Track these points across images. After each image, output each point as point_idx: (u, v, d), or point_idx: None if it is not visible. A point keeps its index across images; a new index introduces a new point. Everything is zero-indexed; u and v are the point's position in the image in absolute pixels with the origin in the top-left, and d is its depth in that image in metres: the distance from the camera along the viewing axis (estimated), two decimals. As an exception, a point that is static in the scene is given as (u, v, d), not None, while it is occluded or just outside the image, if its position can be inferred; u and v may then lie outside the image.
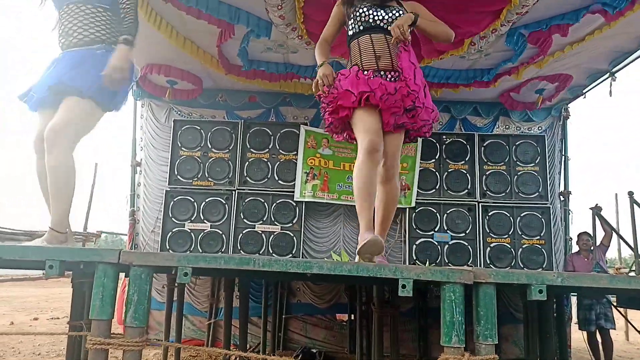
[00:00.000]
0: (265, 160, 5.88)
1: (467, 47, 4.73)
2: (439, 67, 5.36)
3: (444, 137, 6.10)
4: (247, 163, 5.86)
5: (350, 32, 2.49)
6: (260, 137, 5.94)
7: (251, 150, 5.90)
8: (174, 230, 5.57)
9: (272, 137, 5.94)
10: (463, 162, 5.98)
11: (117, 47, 2.34)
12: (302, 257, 5.65)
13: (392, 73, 2.37)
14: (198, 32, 4.76)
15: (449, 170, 5.97)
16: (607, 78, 5.44)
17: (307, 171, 5.84)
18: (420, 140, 5.95)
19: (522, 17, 4.21)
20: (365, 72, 2.36)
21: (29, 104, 2.31)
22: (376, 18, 2.40)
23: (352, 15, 2.47)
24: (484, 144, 6.00)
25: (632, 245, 5.06)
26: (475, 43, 4.68)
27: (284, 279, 5.06)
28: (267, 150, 5.91)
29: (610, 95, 5.41)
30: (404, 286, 1.67)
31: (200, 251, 5.51)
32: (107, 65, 2.25)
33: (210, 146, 5.91)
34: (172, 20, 4.53)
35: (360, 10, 2.43)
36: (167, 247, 5.50)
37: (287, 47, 5.03)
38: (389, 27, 2.38)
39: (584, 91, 5.92)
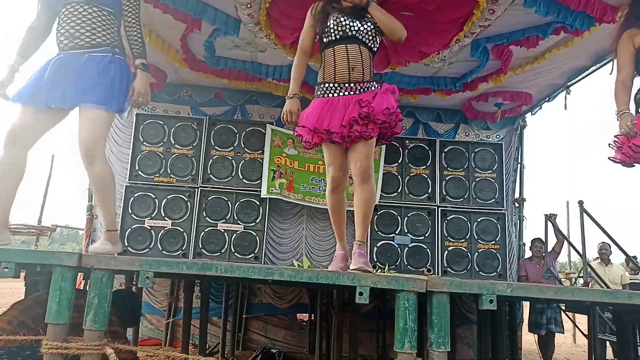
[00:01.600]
0: (230, 158, 5.84)
1: (431, 56, 4.85)
2: (404, 73, 5.48)
3: (407, 141, 6.22)
4: (211, 160, 5.80)
5: (326, 40, 2.54)
6: (225, 135, 5.89)
7: (216, 147, 5.85)
8: (133, 227, 5.46)
9: (237, 135, 5.90)
10: (424, 166, 6.12)
11: (137, 73, 2.44)
12: (265, 257, 5.64)
13: (362, 84, 2.46)
14: (164, 26, 4.68)
15: (411, 174, 6.09)
16: (562, 90, 5.70)
17: (274, 169, 5.84)
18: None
19: (485, 30, 4.35)
20: (330, 95, 2.47)
21: (19, 95, 2.27)
22: (352, 28, 2.47)
23: (328, 24, 2.52)
24: (445, 150, 6.16)
25: (581, 252, 5.33)
26: (438, 52, 4.80)
27: (246, 282, 5.06)
28: (232, 148, 5.87)
29: (565, 109, 5.68)
30: (360, 293, 1.72)
31: (160, 249, 5.42)
32: (133, 91, 2.39)
33: (173, 142, 5.81)
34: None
35: (337, 20, 2.49)
36: (126, 244, 5.38)
37: (255, 46, 5.02)
38: (363, 39, 2.48)
39: (541, 103, 6.17)
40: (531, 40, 4.50)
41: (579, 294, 1.71)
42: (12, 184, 2.26)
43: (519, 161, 6.55)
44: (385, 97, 2.47)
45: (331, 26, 2.49)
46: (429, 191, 6.03)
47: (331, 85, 2.48)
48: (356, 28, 2.47)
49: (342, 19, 2.48)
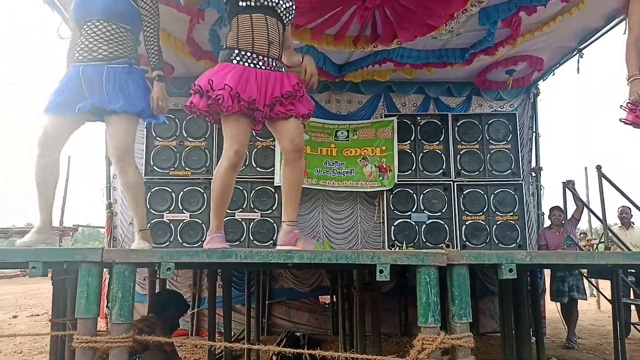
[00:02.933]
0: (242, 147, 5.86)
1: (439, 28, 4.77)
2: (412, 47, 5.40)
3: (419, 118, 6.18)
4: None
5: (243, 4, 2.34)
6: (236, 125, 5.90)
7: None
8: (152, 222, 5.54)
9: (248, 124, 5.91)
10: (438, 142, 6.08)
11: (153, 84, 2.55)
12: (283, 243, 5.69)
13: (277, 62, 2.40)
14: (168, 19, 4.67)
15: (424, 151, 6.06)
16: (574, 55, 5.57)
17: (286, 156, 5.84)
18: (396, 121, 6.04)
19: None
20: (247, 64, 2.32)
21: (50, 106, 2.41)
22: (273, 1, 2.35)
23: None
24: (457, 124, 6.10)
25: (601, 218, 5.27)
26: (446, 24, 4.72)
27: (266, 267, 5.11)
28: (244, 137, 5.88)
29: (578, 72, 5.55)
30: (381, 271, 1.73)
31: (180, 241, 5.50)
32: (152, 100, 2.52)
33: (185, 135, 5.86)
34: (141, 8, 4.43)
35: None
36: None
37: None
38: (282, 15, 2.40)
39: (553, 69, 6.05)
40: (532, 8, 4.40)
41: (599, 258, 1.70)
42: (51, 186, 2.46)
43: (534, 130, 6.44)
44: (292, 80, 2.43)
45: None
46: (444, 167, 6.00)
47: (248, 54, 2.32)
48: (277, 2, 2.36)
49: None
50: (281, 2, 2.38)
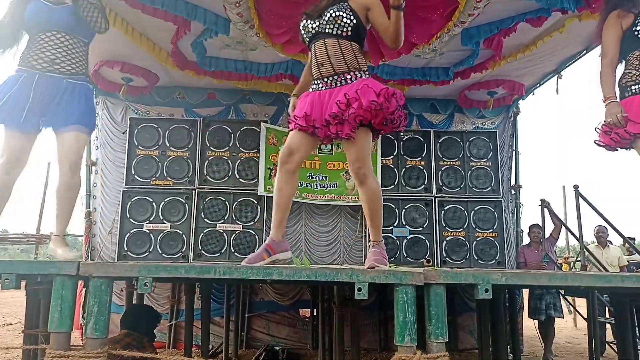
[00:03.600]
0: (226, 158, 5.85)
1: (422, 46, 4.85)
2: (396, 64, 5.49)
3: (402, 134, 6.23)
4: (207, 161, 5.81)
5: (305, 42, 2.60)
6: (220, 135, 5.90)
7: (211, 148, 5.86)
8: (132, 232, 5.47)
9: (232, 135, 5.91)
10: (420, 158, 6.14)
11: None
12: (264, 255, 5.66)
13: (334, 77, 2.39)
14: (154, 29, 4.68)
15: (407, 167, 6.12)
16: (553, 76, 5.72)
17: (271, 167, 5.84)
18: (379, 136, 6.08)
19: (474, 19, 4.36)
20: (311, 90, 2.52)
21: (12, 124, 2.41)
22: (312, 27, 2.47)
23: (300, 32, 2.60)
24: (439, 141, 6.18)
25: (578, 237, 5.37)
26: (429, 42, 4.80)
27: (245, 282, 5.08)
28: (227, 148, 5.88)
29: (557, 93, 5.70)
30: (359, 289, 1.74)
31: (160, 252, 5.43)
32: None
33: (168, 144, 5.82)
34: (128, 17, 4.45)
35: (302, 25, 2.54)
36: (125, 249, 5.41)
37: (245, 45, 5.02)
38: (325, 30, 2.40)
39: (533, 89, 6.19)
40: (522, 26, 4.51)
41: (572, 280, 1.74)
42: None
43: (514, 148, 6.57)
44: (366, 93, 2.30)
45: (302, 33, 2.56)
46: (426, 182, 6.06)
47: (314, 82, 2.52)
48: (315, 25, 2.44)
49: (305, 23, 2.52)
50: (319, 22, 2.42)
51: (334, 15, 2.36)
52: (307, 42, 2.56)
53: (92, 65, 5.36)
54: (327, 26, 2.37)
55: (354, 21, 2.36)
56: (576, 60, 5.35)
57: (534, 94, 6.33)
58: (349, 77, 2.36)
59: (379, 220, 2.46)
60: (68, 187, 2.58)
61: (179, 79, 5.89)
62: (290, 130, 2.51)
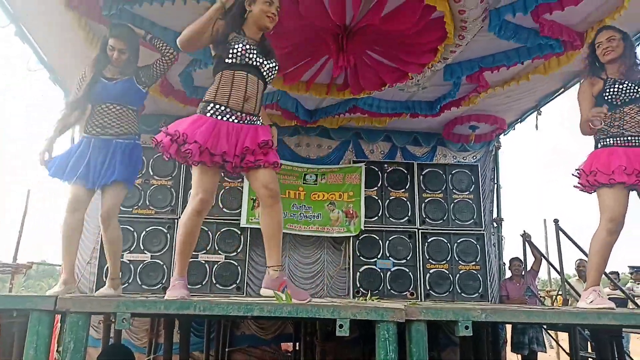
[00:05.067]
0: (209, 188, 5.81)
1: (413, 76, 4.95)
2: (380, 97, 5.59)
3: (386, 165, 6.31)
4: (190, 191, 5.75)
5: (228, 61, 2.44)
6: (204, 165, 5.88)
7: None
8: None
9: (216, 165, 5.89)
10: (403, 190, 6.19)
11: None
12: (247, 287, 5.59)
13: (251, 117, 2.47)
14: (142, 56, 4.70)
15: (391, 198, 6.15)
16: (533, 112, 5.88)
17: (254, 198, 5.82)
18: (364, 168, 6.15)
19: (456, 55, 4.49)
20: (220, 117, 2.42)
21: (66, 178, 2.90)
22: (258, 61, 2.46)
23: (234, 47, 2.44)
24: (423, 173, 6.25)
25: (559, 270, 5.42)
26: (412, 77, 4.92)
27: (226, 318, 4.99)
28: (211, 178, 5.85)
29: (537, 129, 5.86)
30: (340, 326, 1.73)
31: (140, 283, 5.32)
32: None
33: (152, 173, 5.78)
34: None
35: (243, 46, 2.43)
36: (104, 280, 5.28)
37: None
38: (264, 73, 2.50)
39: (513, 124, 6.35)
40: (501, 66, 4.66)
41: (550, 317, 1.76)
42: (76, 241, 3.00)
43: (495, 181, 6.67)
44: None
45: (238, 50, 2.42)
46: (409, 214, 6.09)
47: (222, 108, 2.43)
48: (260, 61, 2.47)
49: (248, 47, 2.45)
50: (265, 62, 2.48)
51: (273, 66, 2.54)
52: (238, 61, 2.44)
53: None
54: (267, 73, 2.51)
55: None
56: (555, 98, 5.52)
57: (514, 129, 6.49)
58: (259, 121, 2.53)
59: (281, 242, 2.52)
60: (105, 239, 3.01)
61: (164, 107, 5.90)
62: (197, 163, 2.37)
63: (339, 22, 4.08)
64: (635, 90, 2.76)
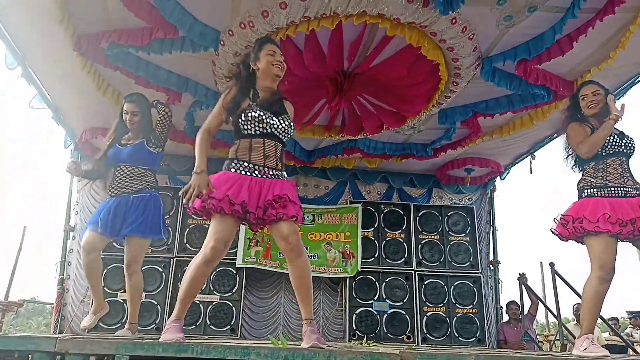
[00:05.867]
0: (207, 226, 5.71)
1: (409, 120, 5.06)
2: (377, 139, 5.70)
3: (382, 206, 6.35)
4: (187, 229, 5.79)
5: (245, 132, 2.51)
6: (202, 204, 5.90)
7: (193, 216, 5.80)
8: (105, 301, 5.29)
9: (214, 204, 5.91)
10: (400, 231, 6.21)
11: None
12: (241, 328, 5.52)
13: (274, 171, 2.52)
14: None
15: (387, 239, 6.17)
16: (527, 156, 5.99)
17: (250, 237, 5.83)
18: (360, 208, 6.19)
19: (450, 101, 4.63)
20: (243, 172, 2.47)
21: (93, 224, 3.31)
22: (272, 126, 2.52)
23: (245, 117, 2.50)
24: (419, 214, 6.30)
25: (556, 314, 5.37)
26: (408, 121, 5.04)
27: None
28: (209, 217, 5.86)
29: (531, 173, 5.95)
30: (337, 371, 1.73)
31: (133, 323, 5.24)
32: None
33: (149, 212, 5.78)
34: (119, 86, 4.58)
35: (256, 114, 2.50)
36: (97, 320, 5.20)
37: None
38: (280, 136, 2.56)
39: (509, 167, 6.45)
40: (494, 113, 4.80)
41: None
42: (96, 277, 3.46)
43: (491, 224, 6.71)
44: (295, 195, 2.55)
45: (250, 121, 2.49)
46: (406, 255, 6.08)
47: (245, 163, 2.49)
48: (275, 126, 2.53)
49: (262, 116, 2.51)
50: (279, 124, 2.54)
51: (287, 124, 2.59)
52: (254, 131, 2.50)
53: (80, 132, 5.46)
54: (283, 134, 2.57)
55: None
56: (547, 143, 5.64)
57: (509, 173, 6.59)
58: (282, 175, 2.57)
59: (311, 295, 2.55)
60: (129, 286, 3.42)
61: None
62: (216, 213, 2.39)
63: (337, 68, 4.24)
64: (618, 144, 2.87)
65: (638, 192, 2.81)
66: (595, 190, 2.85)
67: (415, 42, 3.62)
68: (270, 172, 2.50)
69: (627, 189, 2.80)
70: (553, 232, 2.95)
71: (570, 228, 2.80)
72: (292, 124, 2.63)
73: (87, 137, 5.41)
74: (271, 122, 2.52)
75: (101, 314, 3.61)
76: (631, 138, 2.95)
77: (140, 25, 3.66)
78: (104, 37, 3.76)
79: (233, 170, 2.47)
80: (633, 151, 2.93)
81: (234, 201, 2.35)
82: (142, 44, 3.73)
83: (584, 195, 2.90)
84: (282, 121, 2.56)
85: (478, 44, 3.87)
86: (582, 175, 2.98)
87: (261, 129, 2.50)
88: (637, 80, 4.29)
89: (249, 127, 2.49)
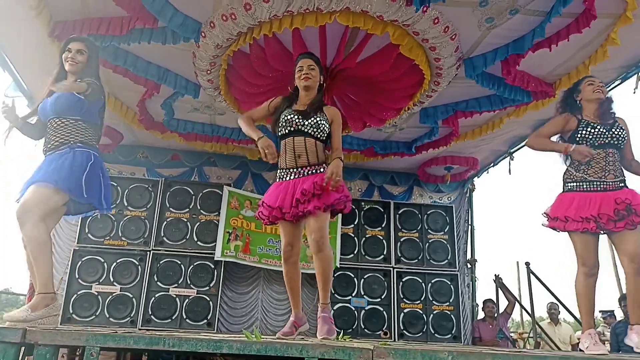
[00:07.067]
0: (185, 220, 5.77)
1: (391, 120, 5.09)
2: (359, 136, 5.71)
3: (363, 203, 6.36)
4: (165, 222, 5.71)
5: (280, 133, 2.86)
6: (181, 196, 5.85)
7: (171, 209, 5.78)
8: (79, 293, 5.22)
9: (193, 197, 5.88)
10: (380, 228, 6.23)
11: None
12: (218, 323, 5.48)
13: (309, 167, 2.78)
14: (122, 88, 4.75)
15: (367, 236, 6.18)
16: (506, 157, 6.07)
17: (230, 231, 5.79)
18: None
19: (432, 99, 4.66)
20: (283, 179, 2.81)
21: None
22: (298, 124, 2.79)
23: (279, 121, 2.84)
24: (399, 212, 6.33)
25: (530, 312, 5.47)
26: (390, 119, 5.06)
27: (195, 354, 4.87)
28: (188, 209, 5.82)
29: (510, 173, 6.03)
30: (309, 365, 1.73)
31: (107, 316, 5.18)
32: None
33: (126, 204, 5.71)
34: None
35: (286, 117, 2.82)
36: (71, 311, 5.13)
37: (214, 109, 5.15)
38: (308, 131, 2.79)
39: (487, 167, 6.53)
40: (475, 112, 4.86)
41: (516, 360, 1.80)
42: (41, 256, 2.57)
43: (469, 223, 6.79)
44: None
45: (282, 122, 2.82)
46: (385, 252, 6.11)
47: (284, 170, 2.83)
48: (301, 123, 2.78)
49: (290, 116, 2.80)
50: (306, 122, 2.78)
51: (316, 121, 2.79)
52: (284, 132, 2.81)
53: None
54: (310, 129, 2.79)
55: (328, 130, 2.86)
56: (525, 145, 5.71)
57: (488, 173, 6.67)
58: (321, 169, 2.78)
59: (330, 284, 2.81)
60: (25, 242, 2.60)
61: (143, 139, 5.91)
62: (270, 223, 2.82)
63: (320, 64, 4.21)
64: (605, 136, 2.81)
65: (619, 186, 2.77)
66: (575, 184, 2.84)
67: (397, 40, 3.63)
68: (304, 171, 2.78)
69: (607, 183, 2.76)
70: (544, 225, 2.93)
71: (551, 225, 2.85)
72: (321, 119, 2.81)
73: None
74: (297, 121, 2.78)
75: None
76: (621, 127, 2.86)
77: (119, 15, 3.59)
78: (82, 26, 3.68)
79: (278, 180, 2.85)
80: (622, 141, 2.85)
81: (272, 206, 2.73)
82: (122, 33, 3.66)
83: (565, 189, 2.89)
84: (309, 119, 2.79)
85: (460, 45, 3.90)
86: (567, 167, 2.95)
87: (288, 129, 2.79)
88: (615, 85, 4.37)
89: (281, 127, 2.82)
